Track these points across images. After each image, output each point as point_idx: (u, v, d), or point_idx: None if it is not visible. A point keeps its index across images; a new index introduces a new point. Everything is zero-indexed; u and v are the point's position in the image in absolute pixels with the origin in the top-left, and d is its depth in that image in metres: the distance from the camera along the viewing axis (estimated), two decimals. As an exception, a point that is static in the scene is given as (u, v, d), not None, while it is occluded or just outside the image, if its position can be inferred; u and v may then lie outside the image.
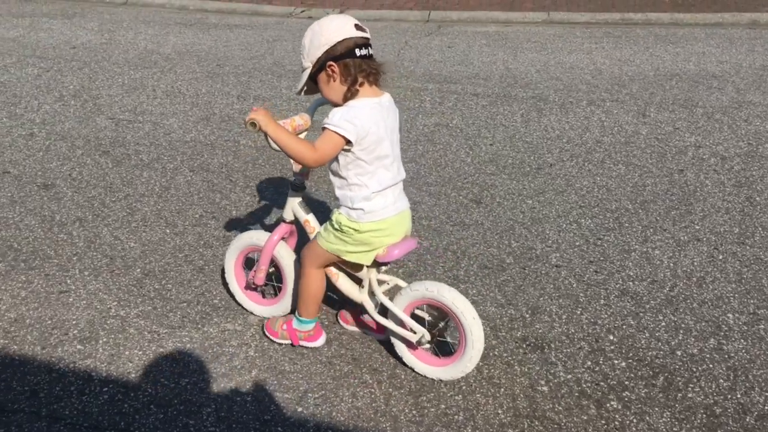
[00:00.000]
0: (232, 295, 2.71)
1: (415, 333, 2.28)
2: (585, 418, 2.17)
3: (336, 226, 2.21)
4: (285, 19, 7.57)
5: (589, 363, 2.41)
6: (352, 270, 2.38)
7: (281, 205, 2.86)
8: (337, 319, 2.61)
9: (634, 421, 2.16)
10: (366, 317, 2.50)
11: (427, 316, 2.33)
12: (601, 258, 3.04)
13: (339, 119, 2.05)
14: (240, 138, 4.32)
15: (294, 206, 2.45)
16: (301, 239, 2.57)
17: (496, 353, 2.45)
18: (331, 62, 2.07)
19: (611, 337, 2.54)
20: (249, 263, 2.65)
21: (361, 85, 2.10)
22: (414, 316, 2.32)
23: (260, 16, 7.70)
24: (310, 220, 2.44)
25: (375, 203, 2.16)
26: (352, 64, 2.07)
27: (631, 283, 2.86)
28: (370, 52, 2.11)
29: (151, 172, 3.88)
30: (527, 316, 2.66)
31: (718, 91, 5.10)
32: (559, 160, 4.03)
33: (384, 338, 2.46)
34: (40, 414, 2.18)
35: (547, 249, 3.11)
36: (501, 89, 5.19)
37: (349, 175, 2.15)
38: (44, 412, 2.19)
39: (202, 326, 2.59)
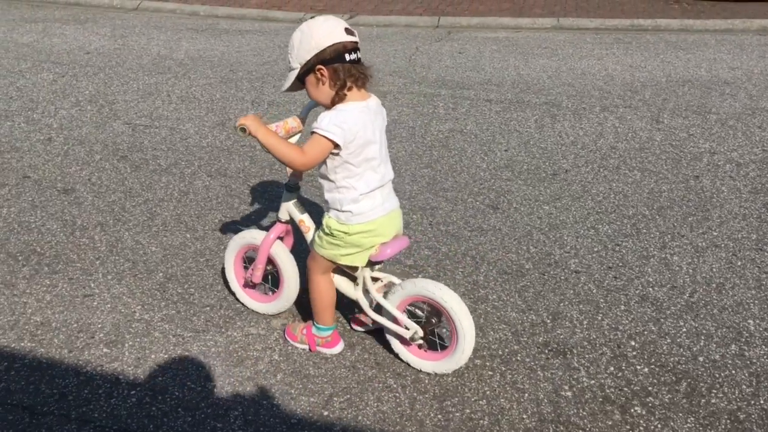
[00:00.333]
0: (232, 293, 2.75)
1: (408, 329, 2.33)
2: (610, 423, 2.19)
3: (327, 231, 2.25)
4: (295, 25, 7.50)
5: (612, 368, 2.42)
6: (347, 269, 2.43)
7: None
8: (351, 326, 2.64)
9: (659, 426, 2.17)
10: (361, 315, 2.56)
11: (420, 312, 2.39)
12: (620, 264, 3.05)
13: (328, 123, 2.07)
14: (256, 143, 4.34)
15: (289, 206, 2.51)
16: (298, 239, 2.63)
17: (518, 358, 2.47)
18: (321, 66, 2.09)
19: (633, 343, 2.55)
20: (250, 262, 2.69)
21: (350, 89, 2.11)
22: (409, 313, 2.38)
23: (271, 22, 7.73)
24: (304, 220, 2.48)
25: (363, 205, 2.20)
26: (342, 69, 2.08)
27: (650, 289, 2.87)
28: (359, 56, 2.13)
29: (170, 177, 3.91)
30: (548, 321, 2.67)
31: (730, 97, 5.11)
32: (574, 165, 4.04)
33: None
34: (70, 417, 2.21)
35: (566, 255, 3.13)
36: (514, 95, 5.21)
37: (337, 178, 2.18)
38: (74, 415, 2.21)
39: (225, 330, 2.61)
